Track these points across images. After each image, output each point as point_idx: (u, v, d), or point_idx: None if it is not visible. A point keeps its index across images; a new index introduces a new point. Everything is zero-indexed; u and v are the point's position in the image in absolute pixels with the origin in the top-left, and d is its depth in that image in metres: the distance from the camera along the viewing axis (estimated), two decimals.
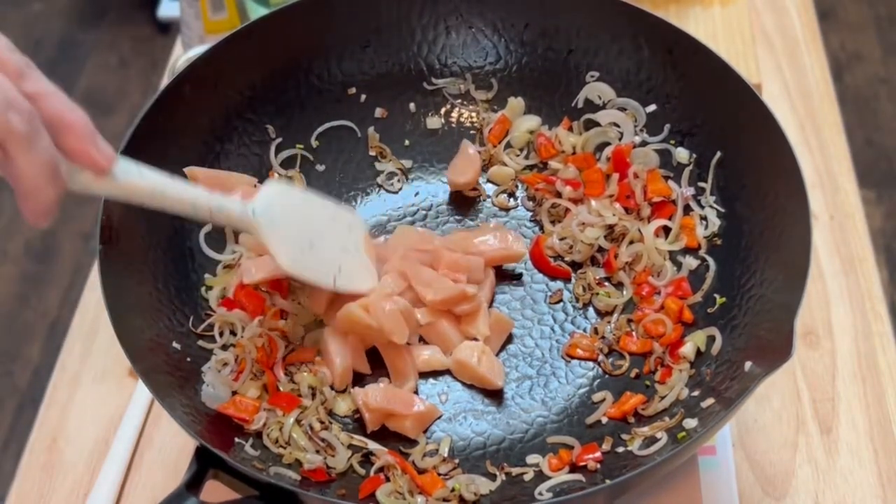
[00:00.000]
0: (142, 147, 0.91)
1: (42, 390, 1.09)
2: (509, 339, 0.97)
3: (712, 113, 0.98)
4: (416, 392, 0.93)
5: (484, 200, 1.06)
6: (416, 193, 1.08)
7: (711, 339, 0.91)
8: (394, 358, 0.93)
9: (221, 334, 0.94)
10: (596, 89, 1.05)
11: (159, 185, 0.79)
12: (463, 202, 1.07)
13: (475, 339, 0.94)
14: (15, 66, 0.63)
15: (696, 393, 0.88)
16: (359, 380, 0.94)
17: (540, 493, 0.84)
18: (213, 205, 0.83)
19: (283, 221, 0.89)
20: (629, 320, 0.96)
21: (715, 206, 0.98)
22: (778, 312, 0.83)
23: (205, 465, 0.77)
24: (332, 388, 0.92)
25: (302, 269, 0.90)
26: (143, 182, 0.77)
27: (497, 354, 0.95)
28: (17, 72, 0.62)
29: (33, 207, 0.66)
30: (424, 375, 0.95)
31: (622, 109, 1.04)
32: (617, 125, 1.04)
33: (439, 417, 0.92)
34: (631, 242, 0.98)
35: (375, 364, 0.94)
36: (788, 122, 1.25)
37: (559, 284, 1.00)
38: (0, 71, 0.61)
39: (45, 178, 0.64)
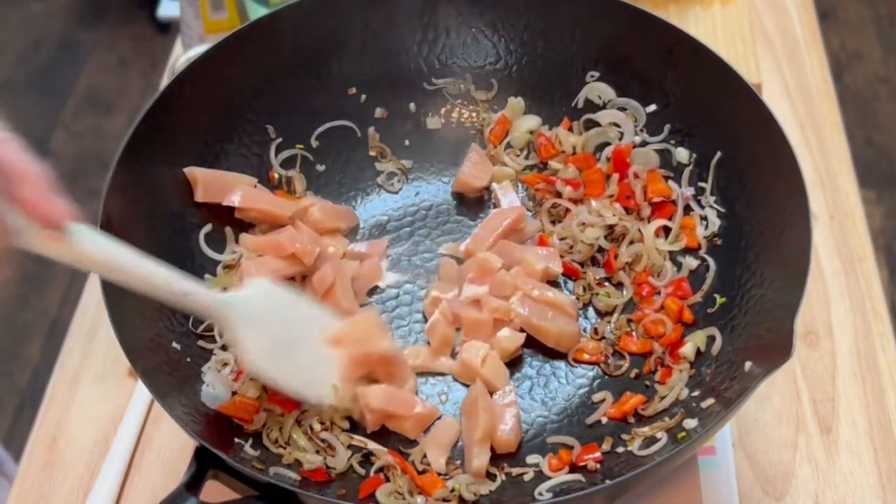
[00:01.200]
0: (142, 147, 0.91)
1: (42, 390, 1.09)
2: None
3: (712, 113, 0.98)
4: (415, 392, 0.93)
5: (491, 202, 1.06)
6: (417, 193, 1.08)
7: (711, 339, 0.91)
8: (388, 367, 0.92)
9: (221, 334, 0.94)
10: (596, 89, 1.05)
11: (121, 259, 0.73)
12: (463, 202, 1.07)
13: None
14: None
15: (696, 393, 0.88)
16: None
17: (540, 493, 0.84)
18: (179, 289, 0.78)
19: (260, 320, 0.84)
20: (629, 320, 0.96)
21: (715, 206, 0.98)
22: (778, 312, 0.83)
23: (204, 465, 0.77)
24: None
25: (272, 369, 0.85)
26: (103, 252, 0.71)
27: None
28: None
29: None
30: (424, 375, 0.95)
31: (622, 109, 1.04)
32: (617, 125, 1.04)
33: (439, 418, 0.92)
34: (631, 242, 0.98)
35: None
36: (788, 122, 1.25)
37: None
38: None
39: None
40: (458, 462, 0.88)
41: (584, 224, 1.00)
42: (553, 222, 1.03)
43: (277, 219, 1.01)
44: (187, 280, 0.79)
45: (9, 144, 0.62)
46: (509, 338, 0.94)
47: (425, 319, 0.98)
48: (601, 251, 1.00)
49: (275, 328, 0.86)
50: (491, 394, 0.91)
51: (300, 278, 0.99)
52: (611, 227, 1.00)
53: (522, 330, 0.95)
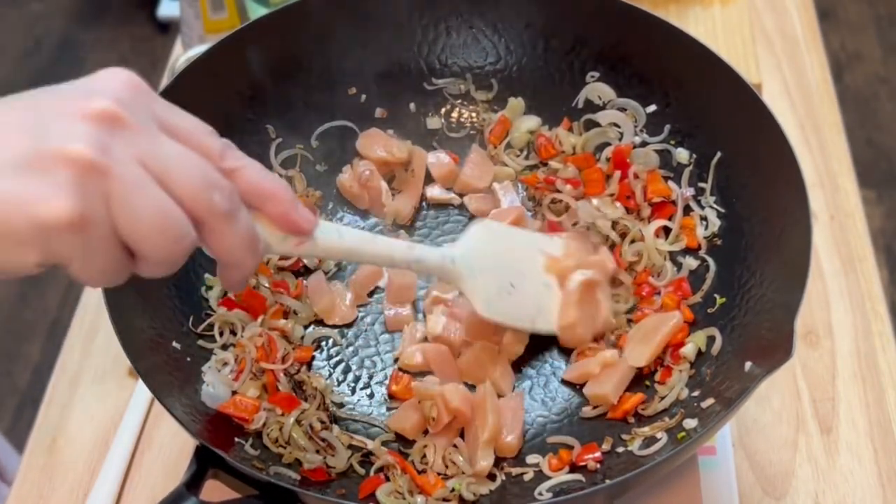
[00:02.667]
0: None
1: (42, 390, 1.09)
2: None
3: (712, 113, 0.98)
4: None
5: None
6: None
7: (711, 339, 0.91)
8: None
9: (221, 334, 0.94)
10: (596, 89, 1.05)
11: (358, 242, 0.78)
12: (463, 202, 1.07)
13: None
14: (216, 148, 0.66)
15: (696, 393, 0.88)
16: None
17: (540, 493, 0.84)
18: (411, 257, 0.82)
19: (484, 265, 0.87)
20: (629, 320, 0.96)
21: (715, 206, 0.98)
22: (778, 312, 0.83)
23: (205, 464, 0.77)
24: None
25: (501, 314, 0.88)
26: (343, 242, 0.76)
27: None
28: (216, 153, 0.65)
29: (235, 277, 0.68)
30: (426, 374, 0.95)
31: (622, 109, 1.04)
32: (617, 125, 1.04)
33: None
34: (632, 241, 0.99)
35: None
36: (788, 122, 1.25)
37: None
38: (201, 153, 0.64)
39: (246, 250, 0.66)
40: (460, 461, 0.88)
41: (591, 219, 1.00)
42: (556, 216, 1.03)
43: None
44: (416, 247, 0.83)
45: (252, 168, 0.68)
46: (514, 340, 0.94)
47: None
48: (611, 248, 1.00)
49: (500, 270, 0.89)
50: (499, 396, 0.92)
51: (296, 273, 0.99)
52: (613, 225, 1.00)
53: None
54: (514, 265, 0.90)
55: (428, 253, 0.84)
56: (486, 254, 0.88)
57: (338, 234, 0.76)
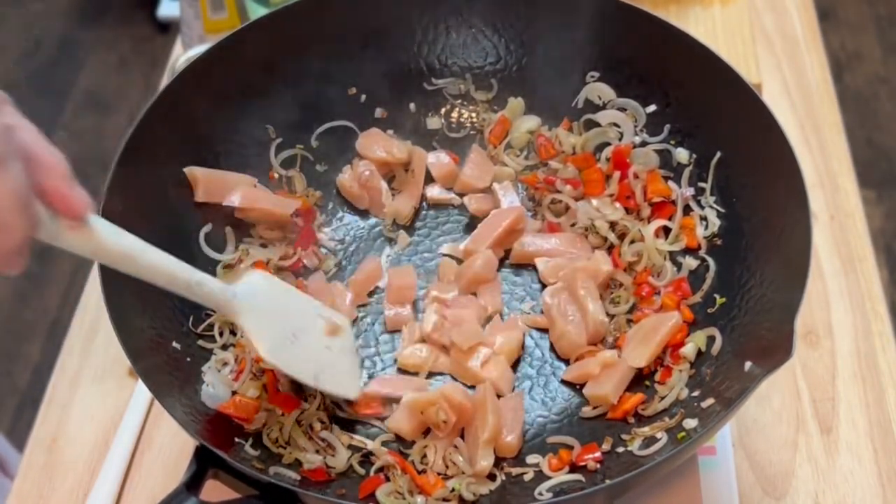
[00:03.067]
0: (142, 147, 0.91)
1: (42, 390, 1.09)
2: None
3: (712, 113, 0.98)
4: None
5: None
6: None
7: (711, 339, 0.91)
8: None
9: (221, 334, 0.94)
10: (596, 89, 1.05)
11: (136, 250, 0.73)
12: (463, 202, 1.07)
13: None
14: None
15: (696, 393, 0.88)
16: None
17: (540, 493, 0.84)
18: (192, 279, 0.78)
19: (265, 309, 0.85)
20: (629, 321, 0.96)
21: (715, 206, 0.98)
22: (778, 312, 0.83)
23: (205, 464, 0.77)
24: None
25: (283, 361, 0.84)
26: (118, 243, 0.71)
27: None
28: None
29: (3, 243, 0.59)
30: (420, 373, 0.95)
31: (622, 109, 1.04)
32: (617, 125, 1.04)
33: None
34: (632, 242, 0.99)
35: None
36: (788, 122, 1.25)
37: None
38: None
39: (15, 207, 0.58)
40: (460, 461, 0.88)
41: (590, 220, 1.00)
42: (556, 216, 1.03)
43: (277, 219, 1.01)
44: (197, 272, 0.79)
45: (30, 131, 0.61)
46: (509, 339, 0.94)
47: None
48: (609, 249, 1.00)
49: (282, 319, 0.86)
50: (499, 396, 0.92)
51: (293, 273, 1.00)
52: (612, 226, 1.00)
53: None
54: (295, 319, 0.88)
55: (209, 280, 0.80)
56: (269, 300, 0.86)
57: (116, 234, 0.71)
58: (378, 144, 1.06)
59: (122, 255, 0.72)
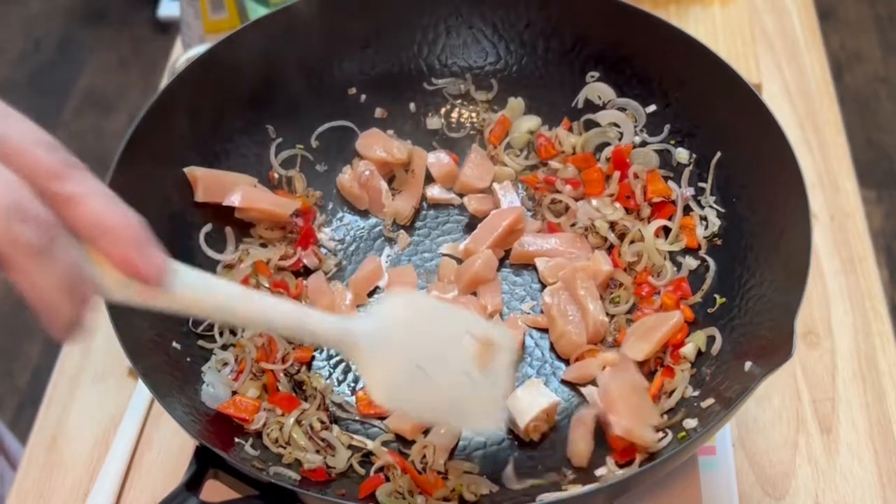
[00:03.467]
0: (142, 147, 0.91)
1: (42, 390, 1.09)
2: None
3: (712, 113, 0.98)
4: None
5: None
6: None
7: (711, 339, 0.91)
8: None
9: (221, 334, 0.94)
10: (596, 89, 1.05)
11: (229, 298, 0.66)
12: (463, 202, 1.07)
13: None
14: (48, 167, 0.56)
15: (696, 393, 0.88)
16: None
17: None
18: (301, 327, 0.69)
19: (393, 345, 0.73)
20: (629, 320, 0.96)
21: (715, 206, 0.98)
22: (778, 312, 0.83)
23: (205, 464, 0.77)
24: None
25: (403, 402, 0.75)
26: (207, 296, 0.64)
27: None
28: (50, 173, 0.56)
29: (50, 324, 0.58)
30: None
31: (622, 109, 1.04)
32: (617, 125, 1.04)
33: None
34: (632, 242, 0.99)
35: None
36: (788, 122, 1.25)
37: None
38: (25, 173, 0.54)
39: (60, 293, 0.56)
40: (462, 458, 0.89)
41: (591, 220, 1.00)
42: (556, 216, 1.03)
43: (277, 219, 1.01)
44: (303, 311, 0.71)
45: (100, 197, 0.58)
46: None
47: None
48: (609, 249, 1.00)
49: (412, 352, 0.74)
50: None
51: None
52: (612, 226, 1.00)
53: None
54: (431, 345, 0.75)
55: (322, 324, 0.70)
56: (400, 332, 0.74)
57: (204, 287, 0.64)
58: (378, 144, 1.06)
59: (212, 307, 0.66)
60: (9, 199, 0.53)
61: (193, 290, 0.64)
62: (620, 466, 0.84)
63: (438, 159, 1.07)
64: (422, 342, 0.75)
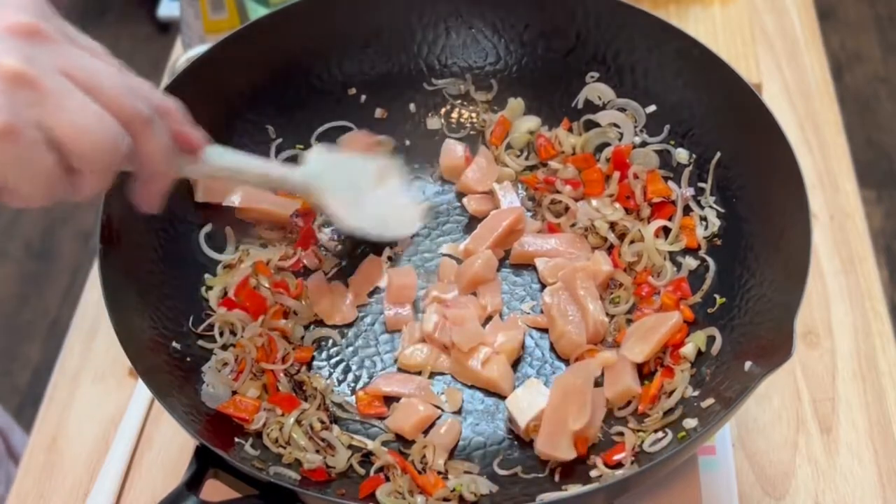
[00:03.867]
0: None
1: (42, 390, 1.09)
2: None
3: (712, 113, 0.98)
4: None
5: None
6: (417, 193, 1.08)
7: (711, 339, 0.91)
8: None
9: (221, 334, 0.94)
10: (596, 90, 1.05)
11: (239, 163, 0.84)
12: (463, 202, 1.07)
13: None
14: (117, 64, 0.68)
15: (696, 393, 0.88)
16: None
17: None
18: (277, 175, 0.89)
19: (331, 183, 0.93)
20: (629, 320, 0.96)
21: (715, 206, 0.98)
22: (778, 312, 0.83)
23: (205, 464, 0.77)
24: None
25: (362, 222, 0.94)
26: (226, 162, 0.82)
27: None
28: (120, 68, 0.68)
29: (154, 190, 0.72)
30: (421, 373, 0.95)
31: (622, 110, 1.04)
32: (617, 126, 1.04)
33: (439, 417, 0.92)
34: (632, 242, 0.99)
35: None
36: (788, 122, 1.25)
37: None
38: (110, 64, 0.67)
39: (166, 159, 0.70)
40: (462, 456, 0.89)
41: (590, 220, 1.00)
42: (556, 216, 1.03)
43: (278, 219, 1.01)
44: (281, 168, 0.94)
45: (151, 86, 0.70)
46: (509, 339, 0.94)
47: None
48: (609, 249, 1.00)
49: (346, 185, 0.95)
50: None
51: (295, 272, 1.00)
52: (612, 226, 1.00)
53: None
54: (354, 182, 0.97)
55: (290, 173, 0.91)
56: (332, 171, 0.94)
57: (220, 157, 0.81)
58: (358, 146, 1.05)
59: (229, 170, 0.83)
60: (125, 82, 0.66)
61: (218, 161, 0.81)
62: (609, 468, 0.84)
63: (453, 149, 1.07)
64: (347, 178, 0.96)
